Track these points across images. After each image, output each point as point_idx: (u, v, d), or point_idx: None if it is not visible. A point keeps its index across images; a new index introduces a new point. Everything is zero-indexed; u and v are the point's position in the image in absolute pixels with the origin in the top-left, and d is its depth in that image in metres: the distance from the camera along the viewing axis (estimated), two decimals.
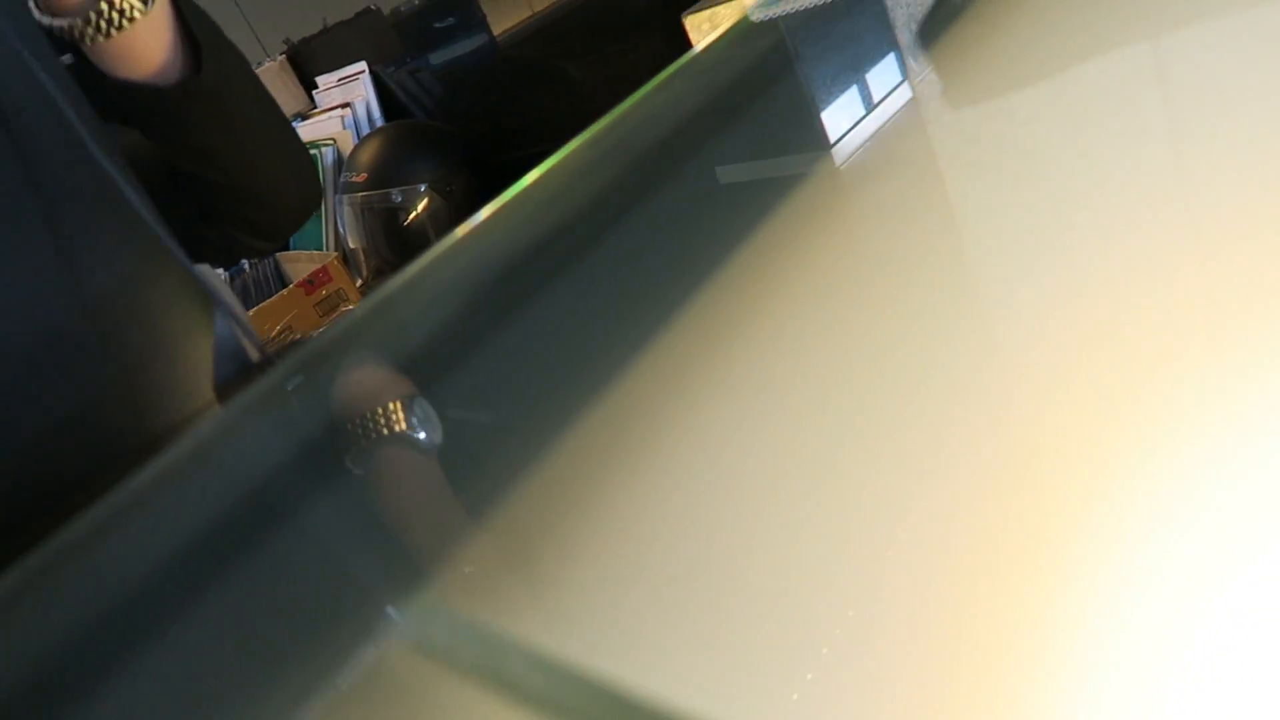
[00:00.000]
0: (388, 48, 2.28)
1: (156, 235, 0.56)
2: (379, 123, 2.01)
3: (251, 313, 1.71)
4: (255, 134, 0.73)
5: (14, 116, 0.51)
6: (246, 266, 2.08)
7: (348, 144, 1.99)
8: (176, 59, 0.68)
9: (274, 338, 1.73)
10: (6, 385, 0.49)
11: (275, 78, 2.25)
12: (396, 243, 1.79)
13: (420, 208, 1.77)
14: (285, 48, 2.47)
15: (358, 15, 2.23)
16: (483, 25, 1.81)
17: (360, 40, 2.16)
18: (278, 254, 2.07)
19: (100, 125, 0.59)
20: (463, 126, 1.90)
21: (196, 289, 0.60)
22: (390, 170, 1.77)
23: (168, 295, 0.58)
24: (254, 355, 0.63)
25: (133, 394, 0.53)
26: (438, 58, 1.94)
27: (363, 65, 2.02)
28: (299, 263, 1.99)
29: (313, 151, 2.03)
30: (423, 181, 1.76)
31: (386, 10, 2.29)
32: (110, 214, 0.55)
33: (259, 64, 2.35)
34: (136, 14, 0.65)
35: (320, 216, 2.03)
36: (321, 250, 2.02)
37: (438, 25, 1.90)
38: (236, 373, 0.62)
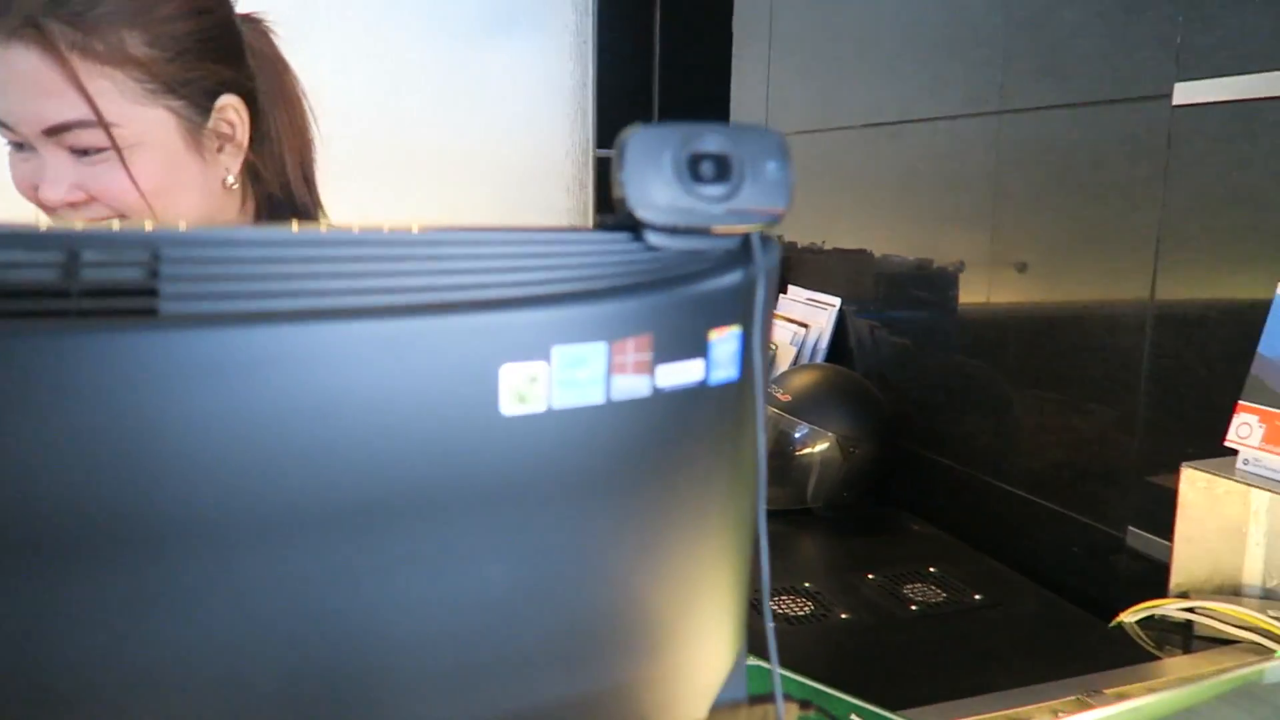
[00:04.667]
0: (864, 289, 2.38)
1: None
2: (822, 355, 2.10)
3: None
4: None
5: None
6: None
7: (786, 358, 2.09)
8: None
9: None
10: None
11: None
12: (777, 465, 1.84)
13: (816, 450, 1.81)
14: None
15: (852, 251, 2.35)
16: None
17: (824, 272, 2.28)
18: None
19: None
20: (893, 401, 1.93)
21: None
22: (810, 406, 1.83)
23: None
24: None
25: None
26: (902, 319, 2.00)
27: (837, 302, 2.12)
28: None
29: None
30: (833, 431, 1.81)
31: (878, 255, 2.41)
32: None
33: None
34: None
35: None
36: None
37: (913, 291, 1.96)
38: None
